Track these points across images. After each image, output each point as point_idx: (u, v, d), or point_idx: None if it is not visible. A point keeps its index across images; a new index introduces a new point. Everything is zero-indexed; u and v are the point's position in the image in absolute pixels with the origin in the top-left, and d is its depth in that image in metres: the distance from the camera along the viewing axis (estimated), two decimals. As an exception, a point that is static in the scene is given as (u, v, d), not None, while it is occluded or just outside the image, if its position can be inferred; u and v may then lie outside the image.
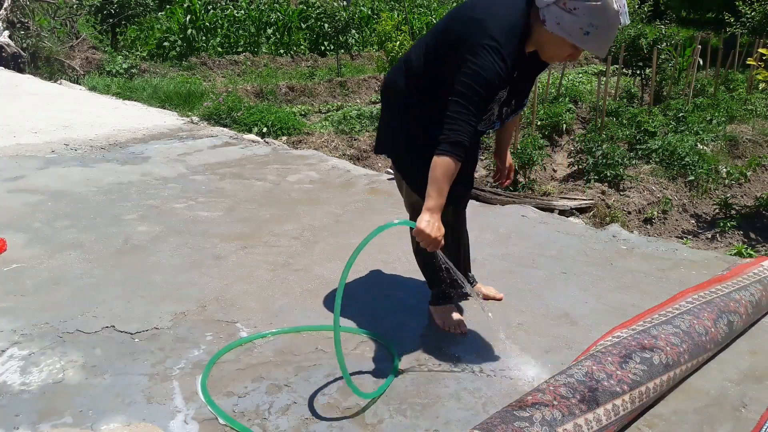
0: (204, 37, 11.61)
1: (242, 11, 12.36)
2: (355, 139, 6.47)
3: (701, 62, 9.06)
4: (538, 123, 7.04)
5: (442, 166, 1.85)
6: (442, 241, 1.90)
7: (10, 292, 2.61)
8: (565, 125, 7.30)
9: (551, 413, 1.66)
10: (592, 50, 1.85)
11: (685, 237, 4.75)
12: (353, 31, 12.94)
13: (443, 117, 1.93)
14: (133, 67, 9.48)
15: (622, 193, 5.33)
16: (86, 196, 3.86)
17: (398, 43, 8.17)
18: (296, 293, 2.68)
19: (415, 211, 2.29)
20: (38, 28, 9.58)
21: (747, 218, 4.94)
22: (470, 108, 1.86)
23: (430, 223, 1.85)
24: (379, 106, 8.50)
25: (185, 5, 11.42)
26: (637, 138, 6.61)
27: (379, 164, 6.02)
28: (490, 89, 1.87)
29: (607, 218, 4.68)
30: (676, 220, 5.11)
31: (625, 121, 7.17)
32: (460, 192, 2.38)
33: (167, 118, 6.40)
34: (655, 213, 5.04)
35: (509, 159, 2.52)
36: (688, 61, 9.47)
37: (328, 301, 2.61)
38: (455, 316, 2.42)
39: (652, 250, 3.26)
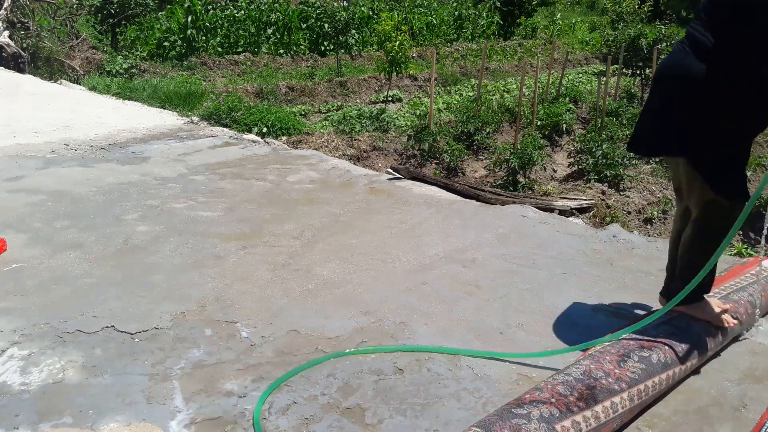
0: (204, 37, 11.61)
1: (242, 11, 12.36)
2: (355, 139, 6.46)
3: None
4: (538, 123, 7.05)
5: None
6: None
7: (10, 292, 2.62)
8: (565, 125, 7.30)
9: (549, 410, 1.66)
10: None
11: (685, 237, 4.74)
12: (353, 31, 12.92)
13: (752, 101, 1.79)
14: (133, 67, 9.48)
15: (622, 193, 5.34)
16: (86, 196, 3.86)
17: (398, 43, 8.13)
18: (296, 293, 2.68)
19: (708, 210, 2.11)
20: (38, 28, 9.58)
21: (747, 218, 4.93)
22: None
23: None
24: (379, 106, 8.50)
25: (185, 5, 11.42)
26: (637, 138, 6.60)
27: (379, 164, 6.02)
28: None
29: (607, 218, 4.68)
30: (676, 220, 5.11)
31: (625, 121, 7.18)
32: None
33: (167, 118, 6.41)
34: (655, 213, 5.04)
35: None
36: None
37: (328, 301, 2.62)
38: (717, 308, 2.22)
39: (652, 250, 3.26)
